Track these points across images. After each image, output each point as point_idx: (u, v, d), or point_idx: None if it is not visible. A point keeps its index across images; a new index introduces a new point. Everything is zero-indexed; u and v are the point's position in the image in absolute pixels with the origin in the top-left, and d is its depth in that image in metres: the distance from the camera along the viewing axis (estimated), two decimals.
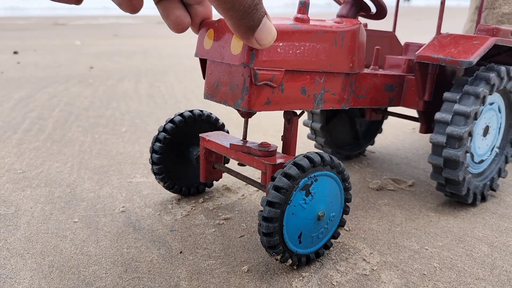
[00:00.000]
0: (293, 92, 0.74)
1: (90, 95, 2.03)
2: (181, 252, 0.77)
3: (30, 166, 1.15)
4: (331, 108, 0.80)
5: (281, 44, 0.69)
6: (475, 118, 0.86)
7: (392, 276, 0.72)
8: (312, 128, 1.18)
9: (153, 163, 0.93)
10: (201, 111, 0.95)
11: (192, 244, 0.79)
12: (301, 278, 0.70)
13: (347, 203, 0.78)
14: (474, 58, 0.85)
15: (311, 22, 0.74)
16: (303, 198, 0.68)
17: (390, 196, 1.02)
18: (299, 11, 0.72)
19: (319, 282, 0.69)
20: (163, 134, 0.92)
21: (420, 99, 0.94)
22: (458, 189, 0.90)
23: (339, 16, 0.84)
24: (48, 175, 1.09)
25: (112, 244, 0.79)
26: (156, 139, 0.93)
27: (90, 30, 6.39)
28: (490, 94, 0.89)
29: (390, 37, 1.14)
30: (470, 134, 0.86)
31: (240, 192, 1.01)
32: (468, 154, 0.91)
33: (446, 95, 0.89)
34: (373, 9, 0.88)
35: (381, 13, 0.87)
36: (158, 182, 0.94)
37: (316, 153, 0.71)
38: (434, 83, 0.93)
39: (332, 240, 0.79)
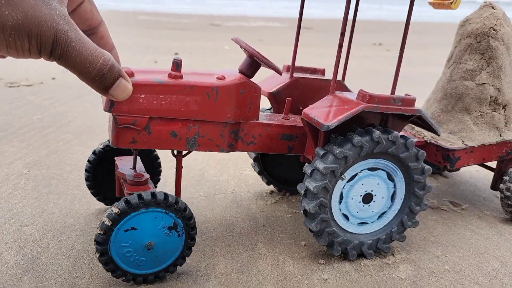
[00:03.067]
0: (162, 135, 0.86)
1: None
2: (263, 226, 1.12)
3: None
4: (208, 151, 0.91)
5: (143, 95, 0.81)
6: (334, 176, 0.90)
7: (407, 268, 0.98)
8: (251, 157, 1.26)
9: (85, 179, 1.10)
10: None
11: (273, 221, 1.14)
12: (339, 257, 1.00)
13: (188, 243, 0.86)
14: (332, 123, 0.87)
15: (186, 78, 0.86)
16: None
17: (440, 214, 1.24)
18: (172, 69, 0.85)
19: (351, 261, 0.99)
20: (92, 156, 1.08)
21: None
22: (318, 240, 0.95)
23: (239, 70, 0.93)
24: (187, 161, 1.53)
25: (221, 212, 1.17)
26: (88, 160, 1.09)
27: (239, 33, 7.09)
28: (360, 157, 0.91)
29: (338, 86, 1.15)
30: (326, 190, 0.90)
31: None
32: (338, 211, 0.96)
33: (316, 149, 0.93)
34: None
35: (276, 71, 0.94)
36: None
37: (155, 193, 0.81)
38: (326, 137, 0.95)
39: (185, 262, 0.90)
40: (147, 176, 0.93)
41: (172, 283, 0.87)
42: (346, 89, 1.16)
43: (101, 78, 0.63)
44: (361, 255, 1.00)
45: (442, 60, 1.46)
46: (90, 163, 1.08)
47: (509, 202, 1.16)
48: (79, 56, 0.59)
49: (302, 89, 1.13)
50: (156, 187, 1.12)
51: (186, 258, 0.88)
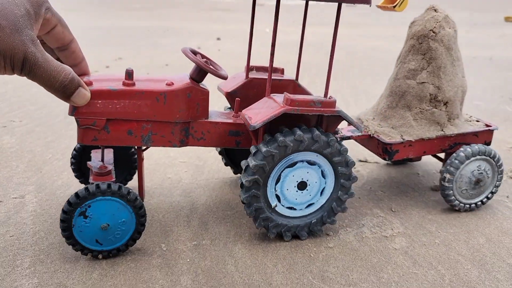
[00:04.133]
0: (119, 133, 1.00)
1: None
2: None
3: None
4: (162, 146, 1.05)
5: (100, 101, 0.95)
6: (272, 159, 1.02)
7: (402, 240, 1.16)
8: (217, 150, 1.38)
9: (71, 163, 1.24)
10: None
11: None
12: (344, 230, 1.20)
13: (140, 226, 1.00)
14: (257, 123, 0.98)
15: (137, 84, 0.99)
16: (83, 220, 0.95)
17: None
18: (125, 78, 0.98)
19: (354, 234, 1.18)
20: (77, 145, 1.23)
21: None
22: (246, 211, 1.08)
23: (190, 75, 1.05)
24: None
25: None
26: (74, 149, 1.24)
27: (280, 14, 7.16)
28: (299, 149, 1.02)
29: (292, 85, 1.26)
30: (257, 183, 1.03)
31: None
32: (272, 192, 1.08)
33: (251, 147, 1.05)
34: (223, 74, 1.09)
35: (221, 78, 1.07)
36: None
37: (111, 184, 0.94)
38: (264, 133, 1.07)
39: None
40: (110, 167, 1.06)
41: (206, 247, 1.10)
42: (300, 88, 1.26)
43: (63, 88, 0.79)
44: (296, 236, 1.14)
45: None
46: (73, 158, 1.24)
47: (444, 192, 1.27)
48: (44, 72, 0.75)
49: (257, 88, 1.23)
50: (131, 178, 1.32)
51: (137, 239, 1.04)
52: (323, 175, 1.10)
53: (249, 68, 1.27)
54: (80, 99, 0.85)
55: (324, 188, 1.12)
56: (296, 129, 1.02)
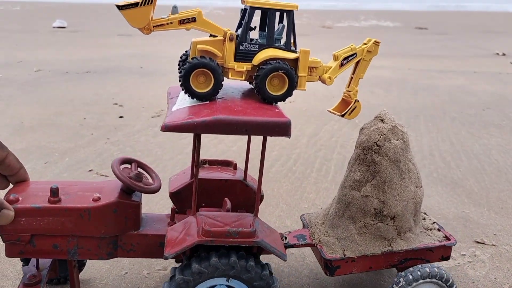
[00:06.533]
0: (45, 247, 1.00)
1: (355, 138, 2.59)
2: None
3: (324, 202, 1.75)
4: (89, 259, 1.06)
5: (24, 218, 0.95)
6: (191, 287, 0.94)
7: None
8: None
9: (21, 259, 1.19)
10: None
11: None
12: None
13: None
14: (170, 254, 0.94)
15: (63, 201, 0.98)
16: None
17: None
18: (50, 196, 0.98)
19: None
20: None
21: None
22: None
23: (121, 188, 1.04)
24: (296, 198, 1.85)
25: None
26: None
27: (350, 37, 6.73)
28: (214, 275, 0.95)
29: (239, 185, 1.21)
30: None
31: None
32: None
33: (172, 269, 0.99)
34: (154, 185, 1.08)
35: (151, 193, 1.07)
36: None
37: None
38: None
39: None
40: (39, 277, 1.07)
41: None
42: (248, 188, 1.21)
43: None
44: None
45: None
46: (21, 259, 1.22)
47: None
48: None
49: (202, 188, 1.17)
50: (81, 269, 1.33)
51: None
52: None
53: (193, 165, 1.16)
54: (4, 219, 0.94)
55: None
56: (193, 260, 0.97)
